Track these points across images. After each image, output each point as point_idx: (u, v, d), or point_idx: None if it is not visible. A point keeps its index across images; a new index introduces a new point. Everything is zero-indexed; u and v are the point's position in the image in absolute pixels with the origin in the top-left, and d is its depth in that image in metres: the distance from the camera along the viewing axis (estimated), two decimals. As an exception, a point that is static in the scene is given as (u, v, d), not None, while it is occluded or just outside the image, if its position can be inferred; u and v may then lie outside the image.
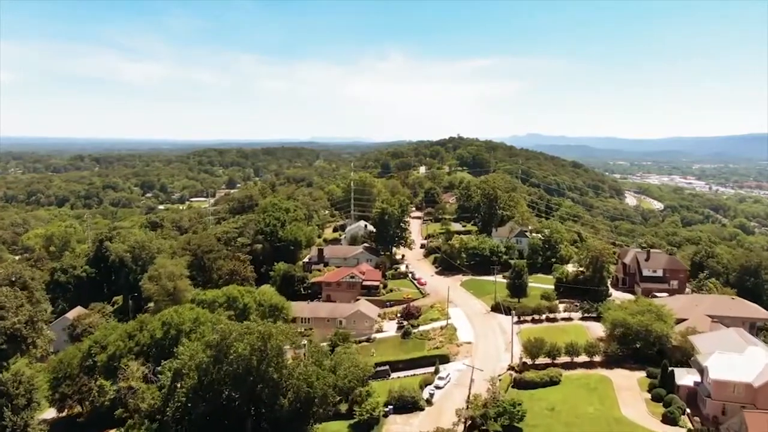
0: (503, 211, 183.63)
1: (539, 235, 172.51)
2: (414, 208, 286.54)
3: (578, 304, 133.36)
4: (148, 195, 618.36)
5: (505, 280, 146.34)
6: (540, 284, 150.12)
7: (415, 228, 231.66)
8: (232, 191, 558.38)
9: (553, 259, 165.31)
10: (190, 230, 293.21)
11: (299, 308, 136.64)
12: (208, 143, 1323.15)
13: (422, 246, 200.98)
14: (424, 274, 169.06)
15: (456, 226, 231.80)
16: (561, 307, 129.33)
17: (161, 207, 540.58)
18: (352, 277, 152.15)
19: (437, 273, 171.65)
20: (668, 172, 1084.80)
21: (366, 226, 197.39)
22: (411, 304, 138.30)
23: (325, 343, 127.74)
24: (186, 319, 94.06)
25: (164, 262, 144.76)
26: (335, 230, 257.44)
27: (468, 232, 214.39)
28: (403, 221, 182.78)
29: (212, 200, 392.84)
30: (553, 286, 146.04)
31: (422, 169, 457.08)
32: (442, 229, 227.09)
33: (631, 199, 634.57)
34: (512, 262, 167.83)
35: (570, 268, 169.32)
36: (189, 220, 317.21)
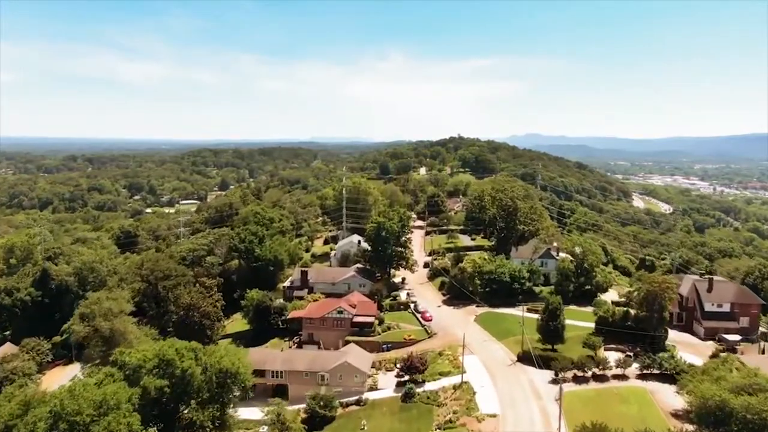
0: (524, 226, 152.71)
1: (569, 255, 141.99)
2: (414, 216, 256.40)
3: (630, 354, 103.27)
4: (136, 197, 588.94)
5: (531, 314, 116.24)
6: (574, 321, 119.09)
7: (417, 241, 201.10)
8: (224, 193, 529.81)
9: (588, 287, 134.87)
10: (164, 241, 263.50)
11: (270, 358, 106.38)
12: (207, 143, 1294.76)
13: (426, 265, 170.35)
14: (429, 304, 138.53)
15: (464, 240, 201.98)
16: (611, 358, 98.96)
17: (149, 210, 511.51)
18: (340, 312, 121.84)
19: (444, 302, 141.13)
20: (670, 172, 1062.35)
21: (360, 242, 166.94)
22: (414, 352, 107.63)
23: (301, 407, 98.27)
24: (84, 406, 63.79)
25: (99, 296, 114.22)
26: (326, 242, 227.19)
27: (479, 248, 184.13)
28: (403, 238, 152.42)
29: (184, 208, 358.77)
30: (592, 324, 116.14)
31: (422, 170, 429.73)
32: (449, 243, 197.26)
33: (638, 201, 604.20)
34: (537, 289, 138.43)
35: (608, 296, 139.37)
36: (168, 228, 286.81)
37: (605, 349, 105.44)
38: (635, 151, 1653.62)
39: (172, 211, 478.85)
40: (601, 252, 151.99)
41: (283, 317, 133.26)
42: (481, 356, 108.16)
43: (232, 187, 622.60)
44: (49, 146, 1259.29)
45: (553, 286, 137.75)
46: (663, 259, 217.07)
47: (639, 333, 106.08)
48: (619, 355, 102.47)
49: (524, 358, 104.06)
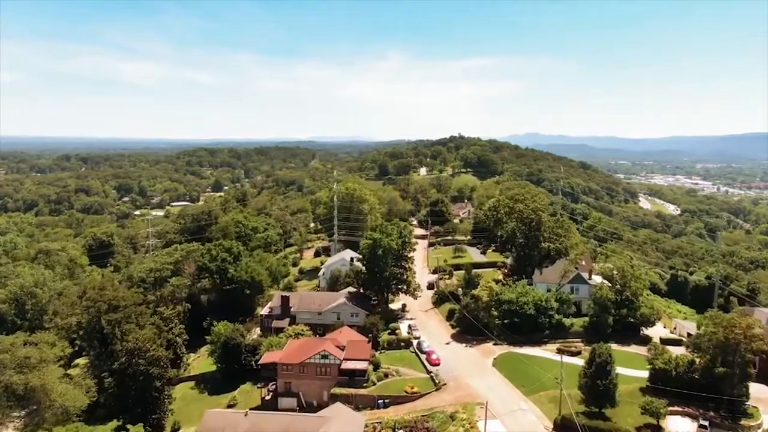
0: (549, 244, 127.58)
1: (606, 281, 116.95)
2: (416, 222, 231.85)
3: (705, 424, 78.29)
4: (125, 199, 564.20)
5: (568, 358, 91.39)
6: (617, 366, 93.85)
7: (419, 255, 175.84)
8: (218, 195, 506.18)
9: (631, 320, 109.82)
10: (140, 251, 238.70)
11: (231, 426, 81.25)
12: (205, 143, 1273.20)
13: (430, 286, 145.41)
14: (436, 340, 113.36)
15: (473, 254, 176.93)
16: (680, 429, 74.13)
17: (137, 213, 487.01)
18: (325, 357, 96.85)
19: (454, 337, 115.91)
20: (672, 171, 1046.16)
21: (353, 259, 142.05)
22: (418, 417, 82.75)
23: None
24: None
25: (13, 341, 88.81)
26: (317, 254, 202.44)
27: (492, 264, 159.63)
28: (404, 258, 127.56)
29: (155, 216, 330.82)
30: (641, 372, 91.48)
31: (423, 171, 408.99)
32: (456, 257, 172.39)
33: (644, 203, 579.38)
34: (567, 321, 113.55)
35: (655, 330, 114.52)
36: (146, 237, 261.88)
37: (669, 411, 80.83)
38: (635, 150, 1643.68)
39: (161, 213, 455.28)
40: (646, 277, 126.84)
41: (257, 357, 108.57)
42: (506, 421, 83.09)
43: (226, 188, 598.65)
44: (47, 145, 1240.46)
45: (586, 318, 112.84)
46: (692, 273, 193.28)
47: (711, 391, 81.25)
48: (690, 424, 77.79)
49: (564, 426, 79.16)
